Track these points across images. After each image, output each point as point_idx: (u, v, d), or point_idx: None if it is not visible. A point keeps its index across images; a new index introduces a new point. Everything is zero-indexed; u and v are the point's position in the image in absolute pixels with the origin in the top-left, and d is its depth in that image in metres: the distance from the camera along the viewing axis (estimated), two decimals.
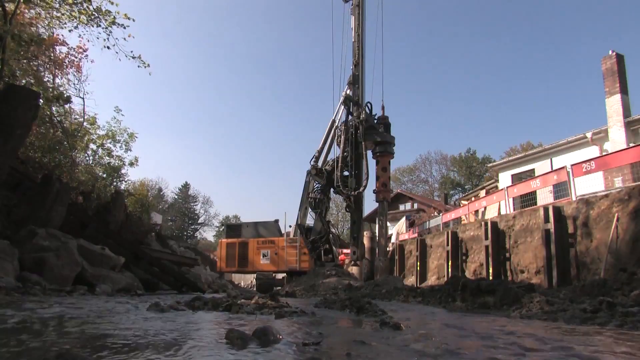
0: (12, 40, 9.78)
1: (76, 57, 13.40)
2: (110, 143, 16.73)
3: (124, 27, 10.71)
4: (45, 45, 11.68)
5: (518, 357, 2.20)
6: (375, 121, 17.48)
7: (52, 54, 12.72)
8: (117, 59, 11.08)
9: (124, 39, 10.73)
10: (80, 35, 11.42)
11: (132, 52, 11.09)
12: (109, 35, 10.71)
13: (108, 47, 10.80)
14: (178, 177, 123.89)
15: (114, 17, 10.55)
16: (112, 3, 10.49)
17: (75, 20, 10.75)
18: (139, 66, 11.30)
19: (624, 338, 3.12)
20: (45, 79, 12.97)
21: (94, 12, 10.46)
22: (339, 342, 2.77)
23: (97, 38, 10.96)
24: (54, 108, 13.22)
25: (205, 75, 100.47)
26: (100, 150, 16.76)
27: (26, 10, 10.52)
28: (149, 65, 11.41)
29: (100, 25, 10.75)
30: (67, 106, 13.99)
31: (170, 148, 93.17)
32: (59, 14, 10.83)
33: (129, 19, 10.63)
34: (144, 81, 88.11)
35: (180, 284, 11.74)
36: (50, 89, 12.80)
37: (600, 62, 16.24)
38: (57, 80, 13.72)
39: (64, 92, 13.64)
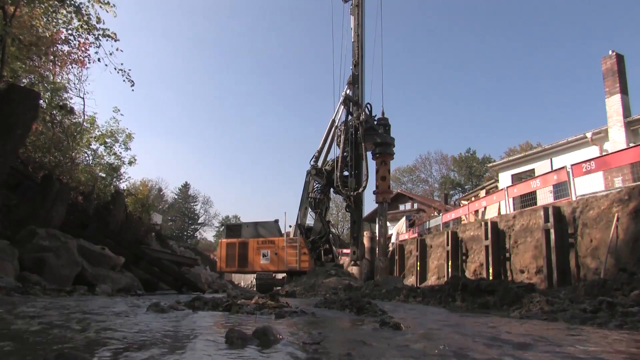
0: (11, 44, 9.82)
1: (80, 55, 13.41)
2: (110, 140, 16.78)
3: (114, 40, 10.93)
4: (46, 44, 11.70)
5: (518, 357, 2.20)
6: (375, 122, 17.49)
7: (54, 53, 12.72)
8: (107, 71, 11.35)
9: (111, 53, 10.97)
10: (74, 40, 11.64)
11: (122, 64, 11.28)
12: (98, 48, 11.05)
13: (99, 60, 11.06)
14: (178, 177, 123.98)
15: (103, 31, 10.80)
16: (99, 20, 10.75)
17: (70, 25, 10.94)
18: (123, 81, 11.47)
19: (624, 338, 3.12)
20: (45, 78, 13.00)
21: (83, 24, 10.66)
22: (339, 342, 2.77)
23: (93, 53, 11.25)
24: (55, 112, 13.29)
25: (205, 75, 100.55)
26: (100, 148, 16.81)
27: (26, 9, 10.55)
28: (133, 84, 11.64)
29: (88, 38, 11.06)
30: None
31: (170, 148, 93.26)
32: (57, 15, 10.91)
33: (115, 39, 10.89)
34: (144, 81, 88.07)
35: (180, 284, 11.74)
36: (51, 86, 12.84)
37: (600, 62, 16.26)
38: (57, 79, 13.72)
39: (67, 102, 13.77)
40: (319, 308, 5.88)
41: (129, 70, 11.37)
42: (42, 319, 3.25)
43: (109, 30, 10.83)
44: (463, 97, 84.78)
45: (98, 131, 16.52)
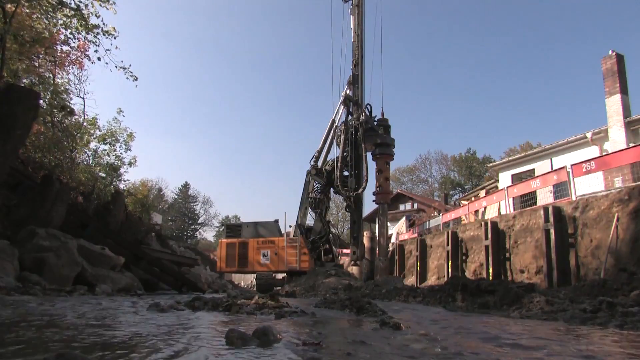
0: (13, 41, 9.82)
1: (79, 56, 13.42)
2: (110, 140, 16.77)
3: (113, 37, 10.90)
4: (46, 44, 11.70)
5: (518, 357, 2.20)
6: (375, 123, 17.50)
7: (53, 54, 12.73)
8: (107, 69, 11.34)
9: (110, 50, 10.97)
10: (73, 39, 11.65)
11: (122, 61, 11.25)
12: (98, 46, 11.03)
13: (99, 59, 11.07)
14: (178, 177, 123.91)
15: (102, 28, 10.79)
16: (98, 17, 10.78)
17: (69, 29, 10.96)
18: (127, 78, 11.41)
19: (624, 338, 3.12)
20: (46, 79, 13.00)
21: (82, 23, 10.66)
22: (339, 342, 2.76)
23: (93, 52, 11.23)
24: (58, 114, 13.29)
25: (205, 74, 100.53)
26: (101, 147, 16.81)
27: (26, 9, 10.55)
28: (137, 79, 11.58)
29: (87, 38, 11.07)
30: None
31: (170, 148, 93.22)
32: (56, 17, 10.91)
33: (114, 34, 10.84)
34: (144, 81, 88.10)
35: (180, 284, 11.74)
36: (51, 88, 12.84)
37: (600, 62, 16.25)
38: (57, 80, 13.73)
39: (67, 102, 13.77)
40: (319, 308, 5.88)
41: (130, 65, 11.36)
42: (41, 319, 3.25)
43: (106, 25, 10.83)
44: (463, 97, 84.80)
45: (99, 131, 16.54)
